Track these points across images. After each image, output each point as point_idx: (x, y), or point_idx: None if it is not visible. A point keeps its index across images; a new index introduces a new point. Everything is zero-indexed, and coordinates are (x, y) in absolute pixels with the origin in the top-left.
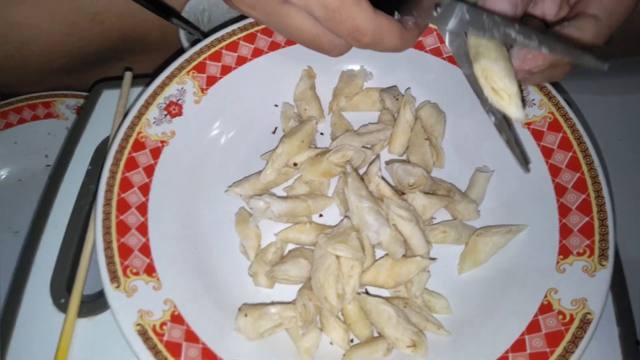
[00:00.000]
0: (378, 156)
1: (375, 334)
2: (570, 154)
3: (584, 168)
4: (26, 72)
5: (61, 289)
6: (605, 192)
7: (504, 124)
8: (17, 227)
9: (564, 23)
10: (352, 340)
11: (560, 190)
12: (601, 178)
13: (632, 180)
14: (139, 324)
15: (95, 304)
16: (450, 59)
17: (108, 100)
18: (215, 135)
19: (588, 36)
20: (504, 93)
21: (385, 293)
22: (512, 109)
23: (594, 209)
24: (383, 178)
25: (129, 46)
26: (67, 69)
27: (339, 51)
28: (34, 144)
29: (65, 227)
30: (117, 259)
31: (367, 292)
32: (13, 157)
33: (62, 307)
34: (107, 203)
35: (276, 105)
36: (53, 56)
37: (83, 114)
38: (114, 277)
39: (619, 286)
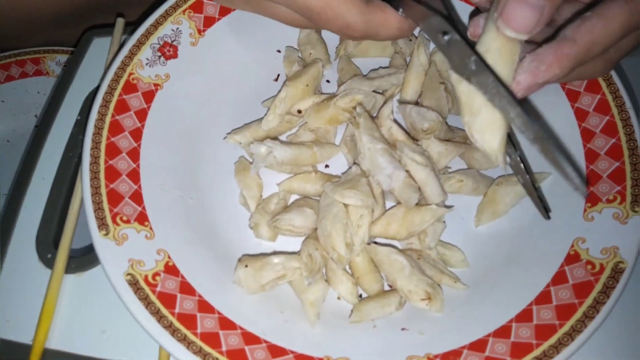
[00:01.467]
0: (390, 99)
1: (386, 288)
2: (599, 96)
3: (614, 111)
4: (13, 24)
5: (48, 244)
6: (638, 134)
7: (519, 167)
8: (5, 189)
9: (586, 14)
10: (360, 296)
11: (587, 134)
12: (633, 120)
13: None
14: (129, 274)
15: (84, 259)
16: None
17: (99, 49)
18: (213, 80)
19: (615, 25)
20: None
21: (398, 246)
22: (494, 159)
23: (626, 153)
24: (396, 121)
25: None
26: (56, 20)
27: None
28: (22, 103)
29: (52, 180)
30: (105, 205)
31: (377, 244)
32: (0, 117)
33: (49, 262)
34: (95, 147)
35: (279, 51)
36: (42, 5)
37: (72, 63)
38: (102, 224)
39: None
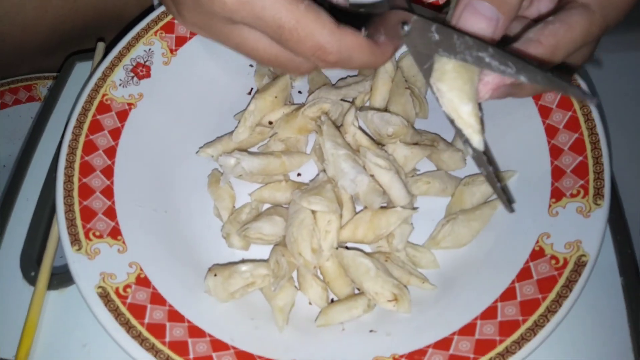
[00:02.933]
0: (354, 106)
1: (357, 292)
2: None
3: (576, 106)
4: (1, 54)
5: (31, 262)
6: (599, 129)
7: (482, 157)
8: None
9: (549, 18)
10: (332, 300)
11: (551, 131)
12: (594, 114)
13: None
14: (100, 287)
15: (66, 275)
16: (433, 7)
17: (81, 73)
18: (186, 97)
19: (577, 32)
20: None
21: (367, 250)
22: (471, 136)
23: (588, 147)
24: (360, 128)
25: (105, 22)
26: (44, 48)
27: (303, 70)
28: (17, 128)
29: (36, 200)
30: (78, 221)
31: (346, 248)
32: None
33: (32, 280)
34: (69, 166)
35: (251, 66)
36: (28, 35)
37: (55, 87)
38: (74, 240)
39: (621, 234)
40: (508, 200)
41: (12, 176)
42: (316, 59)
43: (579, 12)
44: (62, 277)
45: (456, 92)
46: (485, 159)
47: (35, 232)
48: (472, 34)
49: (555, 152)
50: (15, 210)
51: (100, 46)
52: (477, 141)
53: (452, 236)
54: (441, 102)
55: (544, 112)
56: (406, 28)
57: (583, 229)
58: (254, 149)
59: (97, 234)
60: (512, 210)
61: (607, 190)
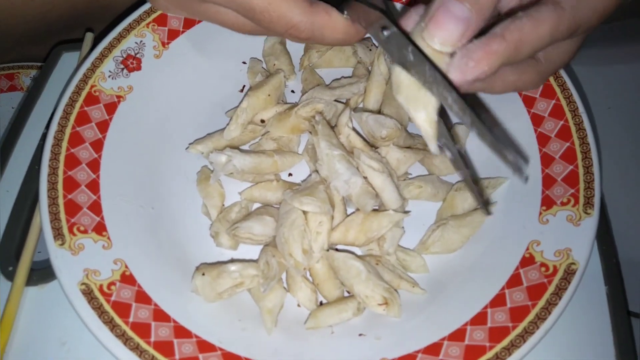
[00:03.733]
0: (348, 107)
1: (346, 295)
2: (554, 101)
3: (568, 115)
4: None
5: (10, 256)
6: (590, 138)
7: (459, 160)
8: None
9: (517, 14)
10: (321, 303)
11: (543, 139)
12: (586, 124)
13: (621, 149)
14: (84, 284)
15: (45, 271)
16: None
17: (68, 64)
18: (176, 92)
19: (544, 28)
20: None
21: (358, 253)
22: (428, 142)
23: (579, 156)
24: (354, 129)
25: (96, 13)
26: (31, 36)
27: (287, 36)
28: None
29: (17, 193)
30: (62, 215)
31: (337, 251)
32: None
33: (10, 275)
34: (54, 158)
35: (244, 63)
36: (14, 22)
37: (40, 77)
38: (58, 235)
39: (607, 244)
40: (485, 203)
41: None
42: (289, 36)
43: (547, 9)
44: (41, 273)
45: (412, 102)
46: (462, 162)
47: (14, 225)
48: (444, 74)
49: (546, 160)
50: None
51: (89, 36)
52: (432, 148)
53: (441, 241)
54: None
55: (536, 120)
56: (385, 33)
57: (573, 237)
58: (244, 147)
59: (82, 228)
60: (489, 213)
61: (597, 200)
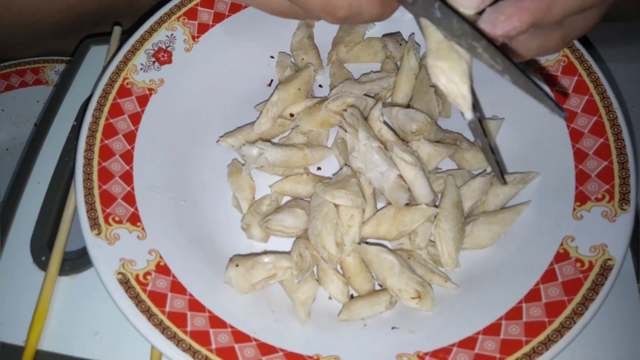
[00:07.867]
0: (380, 101)
1: (377, 288)
2: (587, 97)
3: (602, 111)
4: (12, 35)
5: (42, 247)
6: (625, 134)
7: (479, 128)
8: (3, 196)
9: None
10: (352, 296)
11: (576, 135)
12: (620, 120)
13: None
14: (120, 273)
15: (78, 261)
16: None
17: (96, 57)
18: (206, 85)
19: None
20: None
21: (389, 247)
22: (461, 104)
23: (613, 152)
24: (386, 123)
25: (121, 8)
26: (56, 30)
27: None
28: (22, 112)
29: (48, 184)
30: (98, 205)
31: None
32: (0, 125)
33: (43, 265)
34: (89, 149)
35: (272, 57)
36: (41, 15)
37: (69, 70)
38: (94, 224)
39: (638, 242)
40: (501, 172)
41: (23, 158)
42: (326, 14)
43: None
44: (74, 263)
45: (458, 71)
46: (481, 129)
47: (46, 216)
48: (472, 24)
49: (579, 156)
50: (25, 193)
51: (117, 30)
52: (469, 115)
53: (471, 237)
54: (432, 74)
55: (569, 116)
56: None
57: (609, 233)
58: (273, 141)
59: (117, 219)
60: (504, 182)
61: (633, 196)
